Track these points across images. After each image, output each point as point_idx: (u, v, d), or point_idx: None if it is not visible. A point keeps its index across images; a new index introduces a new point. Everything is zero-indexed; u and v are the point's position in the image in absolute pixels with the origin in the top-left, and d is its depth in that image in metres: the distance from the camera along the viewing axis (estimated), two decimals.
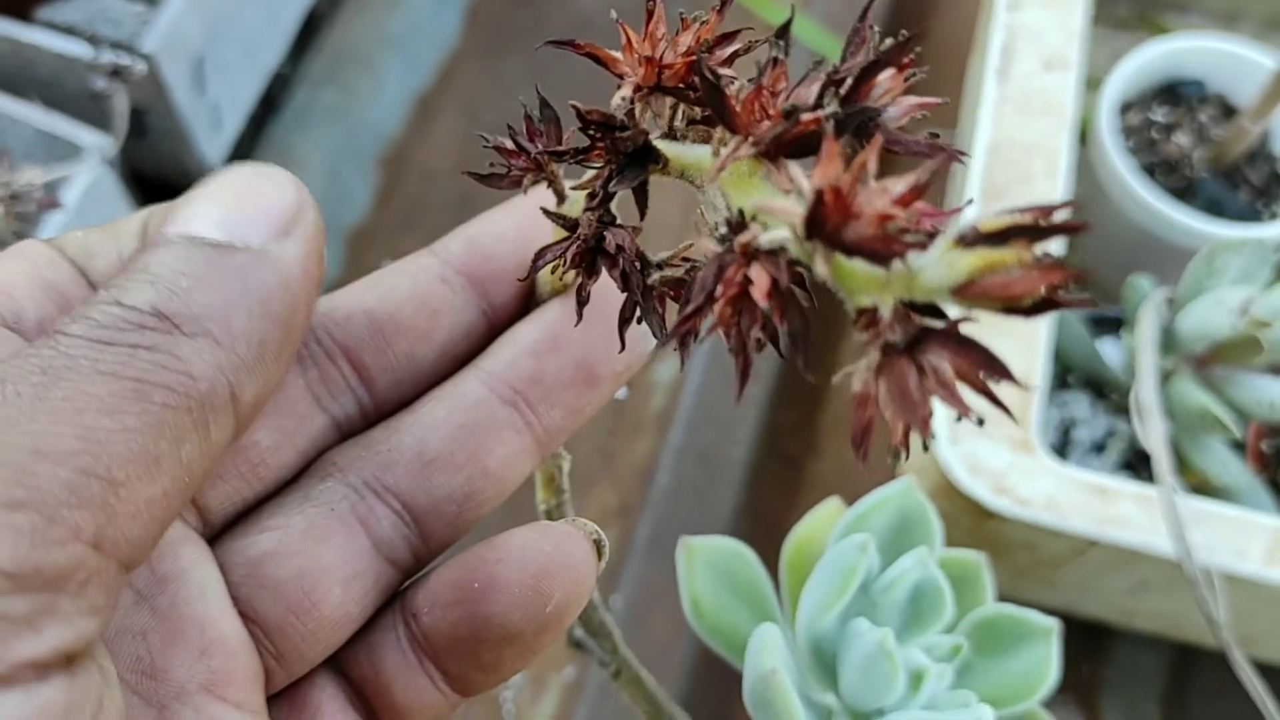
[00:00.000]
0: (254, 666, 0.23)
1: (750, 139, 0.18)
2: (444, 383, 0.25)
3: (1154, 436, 0.41)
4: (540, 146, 0.23)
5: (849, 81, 0.18)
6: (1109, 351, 0.51)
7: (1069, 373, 0.52)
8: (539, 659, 0.42)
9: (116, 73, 0.51)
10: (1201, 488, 0.46)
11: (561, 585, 0.23)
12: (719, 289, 0.17)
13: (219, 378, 0.18)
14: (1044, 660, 0.33)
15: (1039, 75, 0.49)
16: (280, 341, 0.19)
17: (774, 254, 0.17)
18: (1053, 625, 0.33)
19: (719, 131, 0.19)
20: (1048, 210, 0.15)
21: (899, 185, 0.15)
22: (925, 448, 0.16)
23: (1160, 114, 0.57)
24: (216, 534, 0.24)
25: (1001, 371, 0.15)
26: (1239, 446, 0.49)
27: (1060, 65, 0.49)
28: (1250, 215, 0.55)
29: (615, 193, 0.20)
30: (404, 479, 0.24)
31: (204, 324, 0.18)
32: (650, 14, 0.20)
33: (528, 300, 0.26)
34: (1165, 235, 0.54)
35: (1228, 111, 0.58)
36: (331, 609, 0.23)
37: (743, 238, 0.17)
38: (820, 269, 0.16)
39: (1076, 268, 0.14)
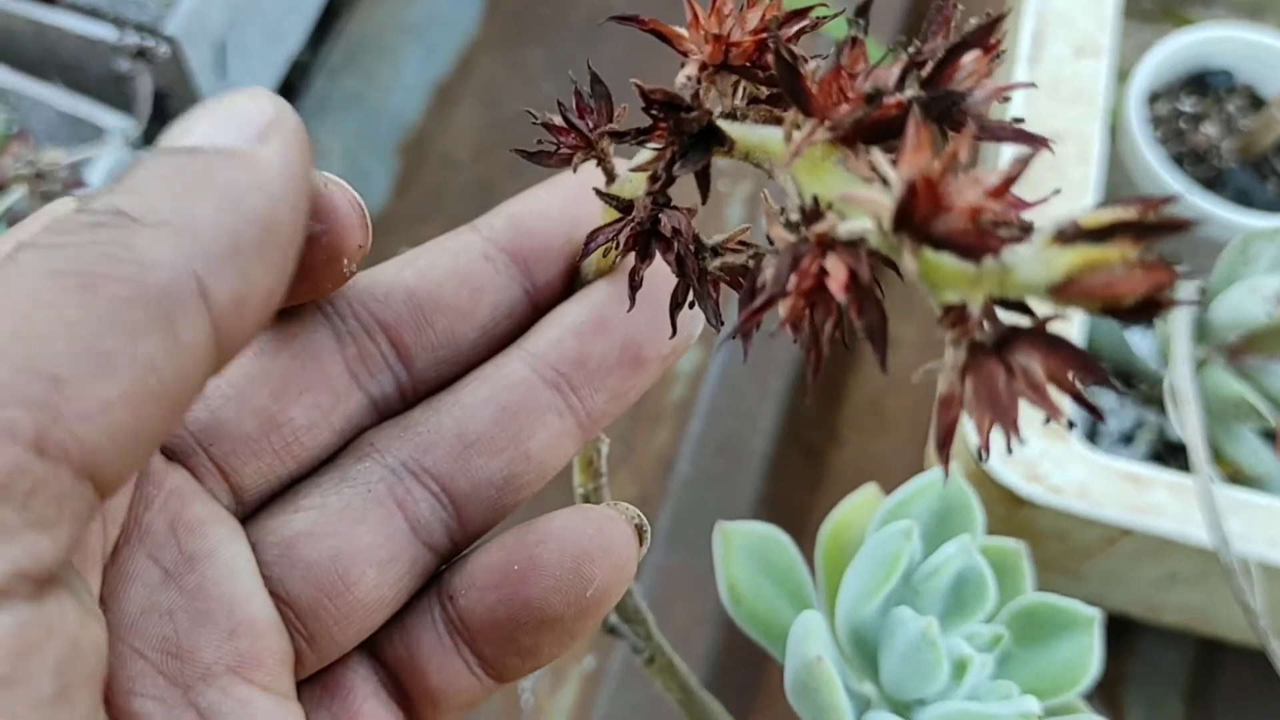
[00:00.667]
0: (284, 649, 0.22)
1: (827, 123, 0.17)
2: (485, 363, 0.25)
3: (1190, 424, 0.40)
4: (590, 124, 0.22)
5: (932, 63, 0.17)
6: (1138, 342, 0.51)
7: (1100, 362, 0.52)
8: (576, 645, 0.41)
9: (140, 55, 0.50)
10: (1234, 478, 0.46)
11: (603, 569, 0.23)
12: (793, 280, 0.16)
13: (182, 266, 0.17)
14: (1085, 651, 0.32)
15: (1070, 61, 0.49)
16: (258, 240, 0.18)
17: (853, 245, 0.16)
18: (1094, 615, 0.32)
19: (791, 114, 0.18)
20: (1152, 204, 0.14)
21: (992, 176, 0.15)
22: (1010, 450, 0.15)
23: (1188, 104, 0.57)
24: (250, 513, 0.23)
25: (1096, 373, 0.14)
26: (1270, 437, 0.49)
27: (1092, 52, 0.49)
28: (1279, 206, 0.55)
29: (677, 176, 0.20)
30: (443, 461, 0.24)
31: (163, 216, 0.17)
32: None
33: (572, 279, 0.25)
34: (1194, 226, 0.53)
35: (1256, 102, 0.57)
36: (365, 592, 0.23)
37: (819, 227, 0.16)
38: (907, 263, 0.15)
39: (1178, 266, 0.14)
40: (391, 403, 0.25)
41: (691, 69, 0.19)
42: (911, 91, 0.17)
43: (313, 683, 0.23)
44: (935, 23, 0.18)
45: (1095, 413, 0.15)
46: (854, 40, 0.17)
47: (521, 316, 0.25)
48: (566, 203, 0.25)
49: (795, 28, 0.20)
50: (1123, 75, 0.57)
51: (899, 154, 0.15)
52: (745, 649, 0.38)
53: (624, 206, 0.22)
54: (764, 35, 0.19)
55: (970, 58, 0.17)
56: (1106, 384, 0.15)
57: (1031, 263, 0.14)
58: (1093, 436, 0.51)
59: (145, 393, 0.16)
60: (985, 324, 0.15)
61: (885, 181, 0.16)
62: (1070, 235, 0.14)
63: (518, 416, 0.24)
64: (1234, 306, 0.45)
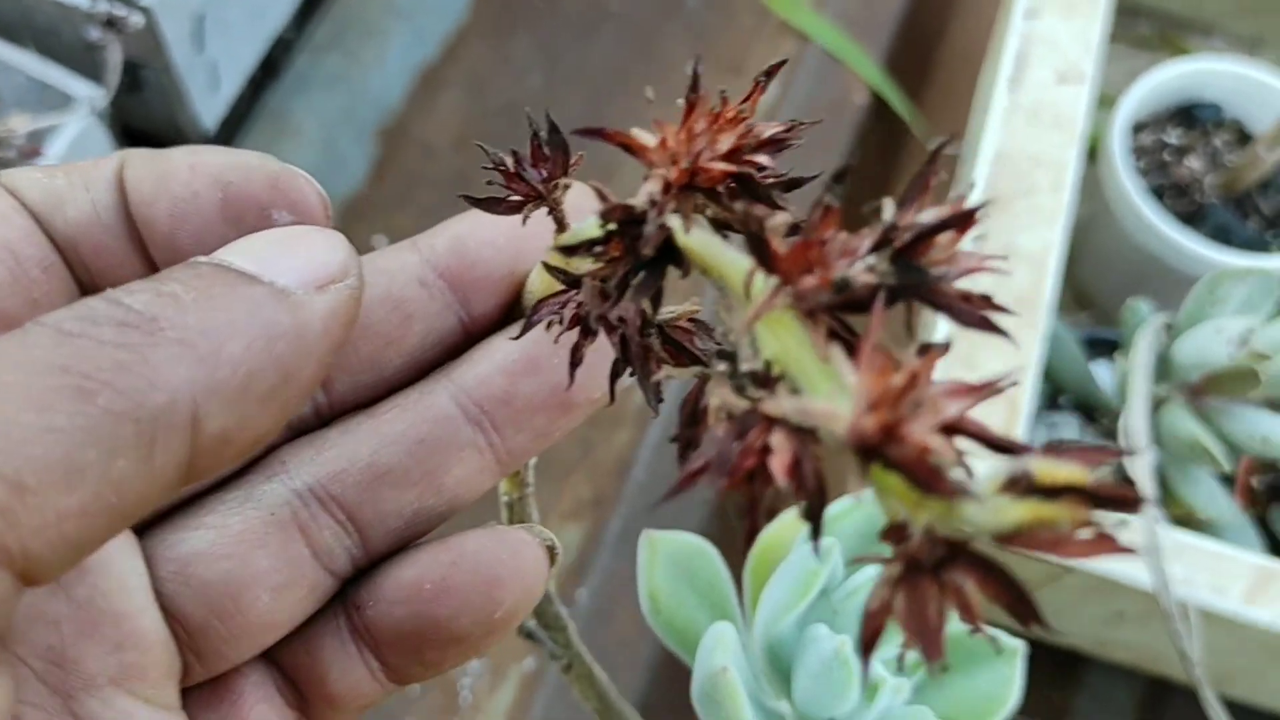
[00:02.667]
0: (170, 662, 0.22)
1: (792, 291, 0.16)
2: (410, 389, 0.24)
3: (1139, 463, 0.40)
4: (544, 174, 0.22)
5: (904, 240, 0.16)
6: (1103, 375, 0.50)
7: (1060, 394, 0.51)
8: (487, 652, 0.41)
9: (111, 23, 0.50)
10: (1186, 520, 0.45)
11: (513, 592, 0.23)
12: (735, 456, 0.16)
13: (183, 393, 0.16)
14: (1006, 681, 0.31)
15: (1052, 87, 0.48)
16: (273, 386, 0.17)
17: (801, 432, 0.16)
18: (1018, 647, 0.32)
19: (754, 265, 0.17)
20: (1108, 453, 0.14)
21: (953, 403, 0.14)
22: (933, 671, 0.15)
23: (1174, 136, 0.56)
24: (148, 524, 0.23)
25: (1028, 609, 0.14)
26: (1228, 481, 0.48)
27: (1074, 78, 0.48)
28: (1259, 245, 0.54)
29: (627, 299, 0.19)
30: (352, 490, 0.23)
31: (192, 335, 0.17)
32: (691, 107, 0.18)
33: (509, 310, 0.25)
34: (1170, 260, 0.52)
35: (1243, 138, 0.57)
36: (259, 616, 0.22)
37: (769, 407, 0.16)
38: (855, 475, 0.15)
39: (1125, 545, 0.14)
40: (307, 421, 0.24)
41: (654, 186, 0.18)
42: (883, 265, 0.16)
43: (202, 687, 0.23)
44: (915, 189, 0.17)
45: (1030, 627, 0.15)
46: (826, 209, 0.17)
47: (452, 344, 0.25)
48: (514, 233, 0.24)
49: (768, 153, 0.19)
50: (1110, 101, 0.56)
51: (858, 359, 0.15)
52: (685, 659, 0.38)
53: (571, 281, 0.21)
54: (734, 170, 0.18)
55: (946, 238, 0.17)
56: (1038, 620, 0.15)
57: (979, 507, 0.14)
58: None
59: (102, 508, 0.16)
60: (927, 548, 0.15)
61: (844, 388, 0.16)
62: (1022, 487, 0.14)
63: (435, 451, 0.23)
64: (1198, 346, 0.44)
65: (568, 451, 0.58)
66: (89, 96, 0.53)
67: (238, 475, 0.24)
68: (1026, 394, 0.43)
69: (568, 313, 0.21)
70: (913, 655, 0.32)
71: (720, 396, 0.17)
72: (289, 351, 0.18)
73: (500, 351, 0.24)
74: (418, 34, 0.68)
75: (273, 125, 0.65)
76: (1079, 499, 0.14)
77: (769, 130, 0.19)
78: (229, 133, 0.63)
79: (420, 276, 0.24)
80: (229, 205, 0.21)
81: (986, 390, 0.15)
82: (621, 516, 0.55)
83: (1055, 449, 0.14)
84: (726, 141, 0.18)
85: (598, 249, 0.19)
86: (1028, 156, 0.47)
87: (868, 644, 0.16)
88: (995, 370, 0.43)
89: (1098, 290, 0.59)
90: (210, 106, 0.61)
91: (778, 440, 0.15)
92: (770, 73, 0.19)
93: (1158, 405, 0.45)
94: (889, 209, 0.17)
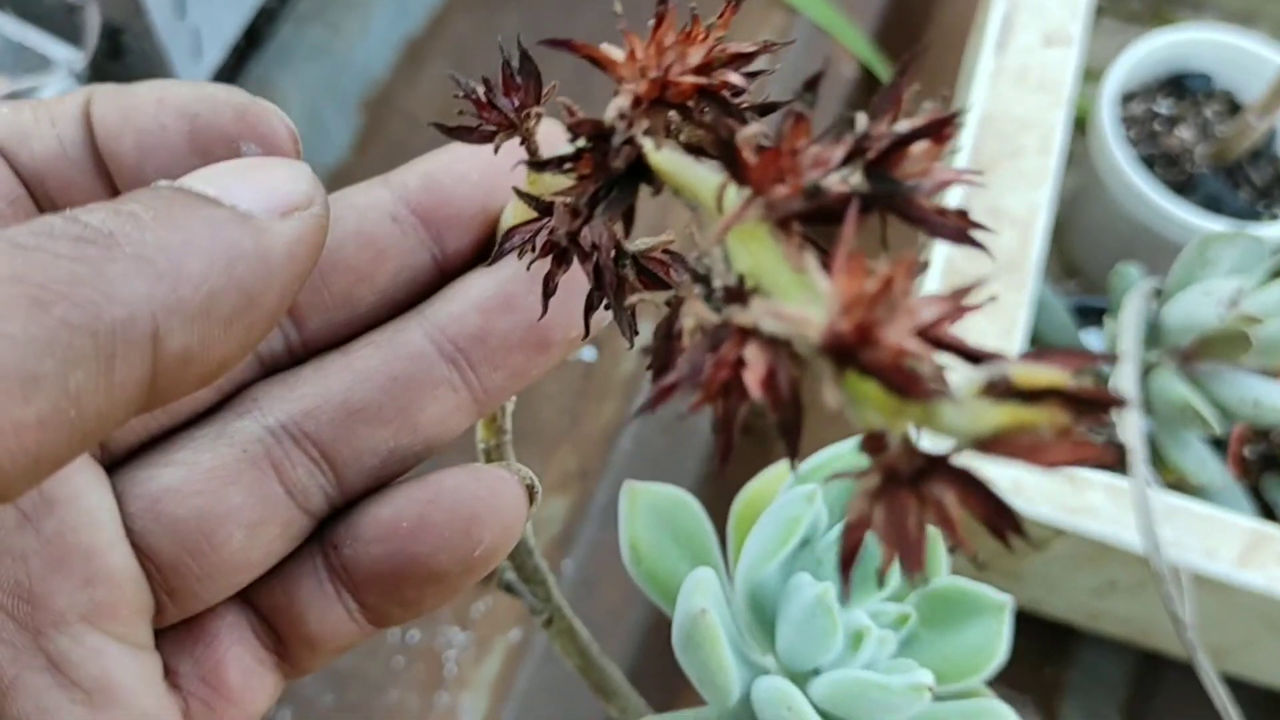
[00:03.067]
0: (142, 600, 0.22)
1: (764, 201, 0.16)
2: (384, 326, 0.24)
3: (1129, 426, 0.39)
4: (516, 102, 0.21)
5: (879, 149, 0.16)
6: (1092, 342, 0.50)
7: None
8: (460, 598, 0.40)
9: None
10: (1177, 486, 0.45)
11: (492, 530, 0.23)
12: (707, 367, 0.15)
13: (142, 309, 0.16)
14: (993, 636, 0.31)
15: (1038, 50, 0.47)
16: (235, 307, 0.17)
17: (776, 343, 0.15)
18: (1005, 601, 0.31)
19: (726, 176, 0.17)
20: (1086, 359, 0.14)
21: (929, 309, 0.14)
22: (913, 584, 0.15)
23: (1164, 106, 0.56)
24: (118, 461, 0.23)
25: (1009, 520, 0.14)
26: (1219, 447, 0.48)
27: (1061, 41, 0.48)
28: (1249, 215, 0.54)
29: (598, 216, 0.19)
30: (326, 427, 0.23)
31: (151, 252, 0.16)
32: (660, 19, 0.18)
33: (484, 248, 0.24)
34: (1160, 229, 0.52)
35: (1234, 108, 0.56)
36: (231, 554, 0.22)
37: (742, 318, 0.15)
38: (829, 384, 0.14)
39: (1106, 442, 0.13)
40: (279, 359, 0.24)
41: (624, 101, 0.18)
42: (856, 178, 0.16)
43: (176, 628, 0.23)
44: (887, 100, 0.17)
45: (1009, 546, 0.15)
46: (798, 116, 0.16)
47: (426, 283, 0.24)
48: (487, 169, 0.24)
49: (740, 71, 0.18)
50: (1098, 75, 0.56)
51: (832, 266, 0.14)
52: (671, 630, 0.37)
53: (543, 208, 0.21)
54: (704, 82, 0.18)
55: (919, 148, 0.16)
56: (1017, 530, 0.14)
57: (958, 412, 0.13)
58: None
59: (60, 422, 0.15)
60: (905, 457, 0.14)
61: (817, 295, 0.15)
62: (1001, 390, 0.13)
63: (409, 388, 0.23)
64: (1188, 309, 0.43)
65: (554, 423, 0.57)
66: (67, 59, 0.52)
67: (209, 413, 0.23)
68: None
69: (540, 240, 0.21)
70: (897, 609, 0.31)
71: (694, 315, 0.16)
72: (251, 275, 0.17)
73: (475, 288, 0.24)
74: (402, 5, 0.68)
75: (256, 94, 0.64)
76: (1060, 403, 0.13)
77: (739, 47, 0.18)
78: None
79: (392, 212, 0.23)
80: (196, 137, 0.21)
81: (963, 296, 0.14)
82: (607, 488, 0.55)
83: (1035, 355, 0.14)
84: (696, 56, 0.18)
85: (568, 166, 0.19)
86: (1014, 119, 0.46)
87: (847, 559, 0.15)
88: (982, 332, 0.43)
89: (1087, 261, 0.58)
90: (193, 75, 0.60)
91: (752, 352, 0.15)
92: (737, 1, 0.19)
93: (1147, 371, 0.44)
94: (862, 120, 0.17)
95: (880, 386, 0.14)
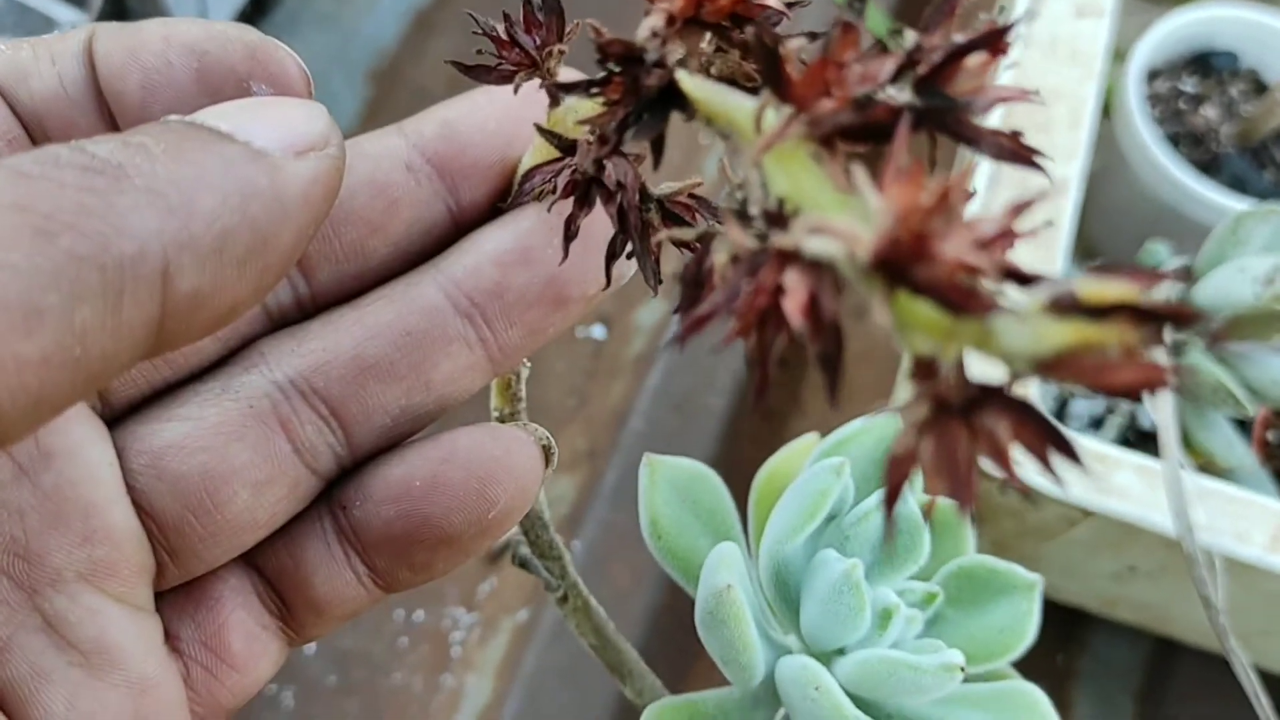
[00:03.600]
0: (143, 560, 0.21)
1: (807, 118, 0.15)
2: (396, 280, 0.23)
3: (1161, 405, 0.38)
4: (538, 40, 0.20)
5: (930, 63, 0.15)
6: None
7: None
8: (467, 577, 0.39)
9: None
10: (1205, 468, 0.44)
11: (508, 492, 0.22)
12: (744, 294, 0.14)
13: (153, 244, 0.15)
14: (1023, 616, 0.30)
15: (1069, 20, 0.46)
16: (249, 247, 0.16)
17: (818, 266, 0.14)
18: (1035, 580, 0.30)
19: (766, 94, 0.16)
20: (1156, 276, 0.13)
21: (988, 224, 0.13)
22: (964, 515, 0.14)
23: (1189, 84, 0.55)
24: (119, 415, 0.22)
25: (1065, 447, 0.13)
26: (1243, 430, 0.47)
27: (1093, 12, 0.46)
28: (1274, 195, 0.52)
29: (629, 140, 0.17)
30: (336, 384, 0.22)
31: (162, 185, 0.15)
32: None
33: (501, 198, 0.23)
34: (1185, 209, 0.51)
35: (1259, 88, 0.55)
36: (236, 514, 0.21)
37: (783, 240, 0.14)
38: (878, 306, 0.13)
39: (1176, 361, 0.12)
40: (288, 313, 0.23)
41: (657, 20, 0.17)
42: (904, 95, 0.15)
43: (176, 591, 0.22)
44: (940, 11, 0.16)
45: (1060, 481, 0.14)
46: (846, 26, 0.15)
47: (441, 235, 0.23)
48: (506, 116, 0.23)
49: None
50: (1124, 53, 0.54)
51: (883, 177, 0.13)
52: (685, 611, 0.36)
53: (566, 146, 0.20)
54: (741, 2, 0.17)
55: (973, 61, 0.15)
56: (1074, 459, 0.13)
57: (1019, 330, 0.12)
58: (1060, 418, 0.48)
59: (64, 360, 0.14)
60: (957, 385, 0.13)
61: (867, 212, 0.14)
62: (1065, 306, 0.13)
63: (423, 344, 0.22)
64: (1220, 288, 0.42)
65: (563, 402, 0.56)
66: (72, 21, 0.51)
67: (214, 367, 0.22)
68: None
69: (562, 180, 0.20)
70: (924, 587, 0.30)
71: (728, 246, 0.15)
72: (265, 213, 0.16)
73: (491, 241, 0.23)
74: None
75: None
76: (1130, 319, 0.12)
77: None
78: None
79: (407, 161, 0.23)
80: (205, 76, 0.20)
81: (1023, 214, 0.13)
82: (617, 468, 0.53)
83: (1098, 269, 0.13)
84: None
85: (595, 91, 0.18)
86: (1045, 90, 0.45)
87: (892, 494, 0.14)
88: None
89: (1109, 242, 0.57)
90: None
91: (792, 278, 0.14)
92: None
93: (1177, 350, 0.43)
94: (911, 36, 0.15)
95: (934, 305, 0.13)
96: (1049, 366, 0.13)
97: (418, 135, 0.23)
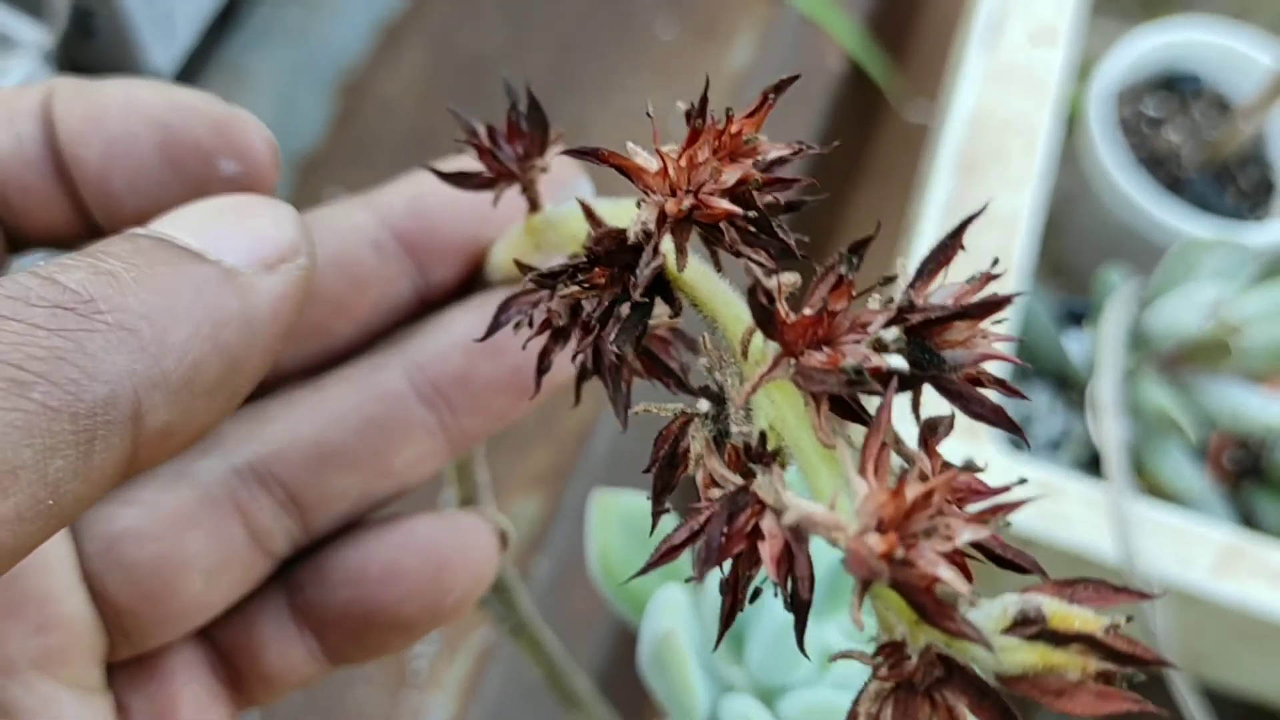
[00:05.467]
0: (96, 645, 0.21)
1: (796, 365, 0.15)
2: (360, 360, 0.23)
3: (1106, 432, 0.39)
4: (520, 151, 0.20)
5: (926, 319, 0.15)
6: (1075, 346, 0.49)
7: (1031, 365, 0.50)
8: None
9: None
10: (1155, 493, 0.44)
11: (463, 580, 0.22)
12: (722, 540, 0.15)
13: (124, 386, 0.15)
14: None
15: (1025, 49, 0.47)
16: (219, 376, 0.16)
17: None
18: None
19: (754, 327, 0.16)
20: (1123, 595, 0.14)
21: (967, 532, 0.13)
22: None
23: (1152, 106, 0.55)
24: None
25: None
26: (1201, 453, 0.47)
27: (1049, 41, 0.47)
28: (1237, 217, 0.53)
29: (608, 339, 0.17)
30: (294, 470, 0.22)
31: (135, 320, 0.15)
32: (694, 135, 0.16)
33: (472, 277, 0.23)
34: (1147, 232, 0.51)
35: (1223, 109, 0.55)
36: (190, 600, 0.21)
37: (765, 493, 0.15)
38: (854, 589, 0.14)
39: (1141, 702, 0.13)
40: None
41: (650, 215, 0.16)
42: (893, 344, 0.15)
43: (129, 664, 0.22)
44: (935, 260, 0.16)
45: None
46: (840, 279, 0.15)
47: (407, 313, 0.23)
48: (479, 196, 0.23)
49: (777, 195, 0.17)
50: (1087, 72, 0.55)
51: (865, 460, 0.14)
52: None
53: (544, 282, 0.19)
54: (737, 211, 0.16)
55: (966, 325, 0.15)
56: None
57: (984, 646, 0.13)
58: (1018, 442, 0.49)
59: (38, 513, 0.14)
60: (923, 670, 0.14)
61: (851, 508, 0.14)
62: (1032, 629, 0.13)
63: (384, 432, 0.22)
64: (1169, 314, 0.43)
65: (528, 421, 0.56)
66: (37, 41, 0.51)
67: None
68: (995, 363, 0.41)
69: (538, 314, 0.19)
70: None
71: (709, 466, 0.16)
72: (236, 339, 0.16)
73: (459, 326, 0.22)
74: None
75: (229, 77, 0.63)
76: (1091, 649, 0.13)
77: (774, 151, 0.17)
78: (184, 83, 0.61)
79: (375, 239, 0.22)
80: (168, 148, 0.19)
81: (1003, 512, 0.14)
82: (581, 488, 0.54)
83: (1069, 586, 0.14)
84: (732, 175, 0.16)
85: (580, 277, 0.17)
86: (1001, 120, 0.45)
87: None
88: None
89: (1076, 261, 0.57)
90: (165, 56, 0.59)
91: (769, 525, 0.15)
92: (780, 87, 0.17)
93: (1129, 375, 0.44)
94: (903, 273, 0.16)
95: (907, 602, 0.13)
96: (1010, 681, 0.13)
97: (387, 210, 0.22)
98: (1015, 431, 0.15)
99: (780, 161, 0.17)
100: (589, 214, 0.17)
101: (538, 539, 0.53)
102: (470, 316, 0.22)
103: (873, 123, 0.66)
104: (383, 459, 0.22)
